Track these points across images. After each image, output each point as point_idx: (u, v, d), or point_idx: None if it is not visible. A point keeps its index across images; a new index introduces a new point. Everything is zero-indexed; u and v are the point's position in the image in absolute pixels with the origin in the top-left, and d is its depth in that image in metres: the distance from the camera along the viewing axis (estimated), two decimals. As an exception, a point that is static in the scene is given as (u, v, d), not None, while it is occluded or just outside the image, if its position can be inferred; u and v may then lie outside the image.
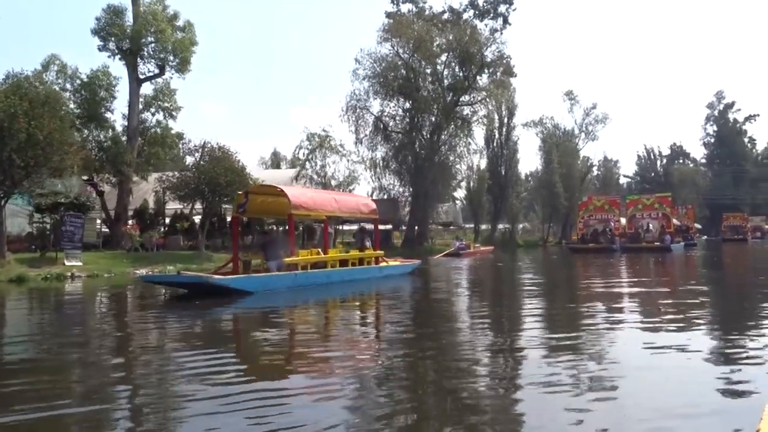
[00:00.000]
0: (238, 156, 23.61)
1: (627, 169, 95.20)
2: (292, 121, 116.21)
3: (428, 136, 39.44)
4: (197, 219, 26.76)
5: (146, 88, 27.49)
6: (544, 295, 12.94)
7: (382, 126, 39.17)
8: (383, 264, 16.79)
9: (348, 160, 29.40)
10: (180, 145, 27.67)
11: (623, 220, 38.05)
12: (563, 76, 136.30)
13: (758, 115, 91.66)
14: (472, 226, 51.91)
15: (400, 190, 40.05)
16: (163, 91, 27.48)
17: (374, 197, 39.56)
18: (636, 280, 16.16)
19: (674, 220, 40.71)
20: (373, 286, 14.52)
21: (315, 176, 28.37)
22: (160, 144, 26.97)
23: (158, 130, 27.40)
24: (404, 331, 7.99)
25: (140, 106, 27.12)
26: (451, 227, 49.37)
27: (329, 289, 13.59)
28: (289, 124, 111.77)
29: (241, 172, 22.52)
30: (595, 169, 79.86)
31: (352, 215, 17.49)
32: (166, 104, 27.45)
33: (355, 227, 40.44)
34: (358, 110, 38.40)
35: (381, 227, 39.73)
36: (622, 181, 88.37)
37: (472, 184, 50.58)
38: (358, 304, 12.00)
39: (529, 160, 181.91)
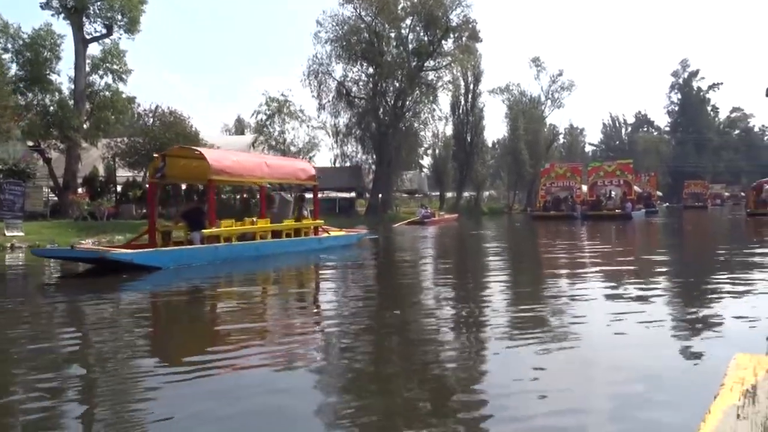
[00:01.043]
0: (191, 121, 22.75)
1: (592, 137, 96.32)
2: (259, 88, 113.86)
3: (392, 102, 38.74)
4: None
5: (94, 50, 26.24)
6: (505, 265, 12.71)
7: (345, 91, 38.29)
8: (324, 235, 15.63)
9: (308, 126, 28.59)
10: (132, 110, 26.55)
11: (585, 188, 38.12)
12: (530, 43, 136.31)
13: (721, 84, 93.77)
14: (437, 194, 51.80)
15: (364, 157, 39.44)
16: (112, 53, 26.20)
17: (337, 165, 39.11)
18: (596, 250, 16.06)
19: (636, 188, 40.97)
20: (312, 258, 13.52)
21: (273, 143, 27.42)
22: (109, 108, 25.81)
23: (107, 93, 26.19)
24: (347, 305, 7.58)
25: (87, 69, 25.86)
26: (417, 195, 49.10)
27: (259, 263, 12.41)
28: (256, 92, 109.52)
29: (195, 137, 21.70)
30: (561, 137, 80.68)
31: (287, 181, 16.29)
32: (115, 66, 26.22)
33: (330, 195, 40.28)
34: (320, 75, 37.50)
35: (345, 195, 40.02)
36: (588, 149, 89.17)
37: (437, 151, 50.32)
38: (289, 277, 11.11)
39: (495, 127, 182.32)
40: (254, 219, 14.34)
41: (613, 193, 36.77)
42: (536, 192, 42.17)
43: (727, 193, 75.40)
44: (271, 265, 12.34)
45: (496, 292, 8.38)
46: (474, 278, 10.35)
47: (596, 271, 10.58)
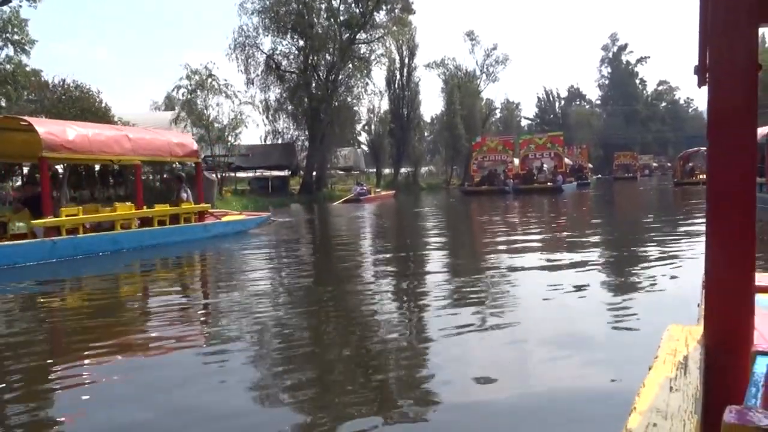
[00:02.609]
0: (101, 96, 20.92)
1: (528, 111, 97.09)
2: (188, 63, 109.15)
3: (324, 76, 37.35)
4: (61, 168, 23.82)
5: (-11, 19, 23.79)
6: (435, 244, 12.13)
7: (274, 65, 36.59)
8: (211, 221, 13.34)
9: (233, 101, 27.01)
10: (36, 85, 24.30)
11: (517, 161, 37.86)
12: (464, 16, 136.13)
13: (649, 57, 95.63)
14: (375, 170, 50.99)
15: (296, 134, 38.02)
16: (12, 22, 23.85)
17: (269, 142, 37.55)
18: (526, 224, 15.67)
19: (567, 160, 41.10)
20: (193, 247, 11.64)
21: (195, 119, 25.78)
22: (10, 82, 23.55)
23: (8, 66, 23.88)
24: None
25: (-16, 40, 23.46)
26: (353, 172, 48.04)
27: (116, 260, 10.15)
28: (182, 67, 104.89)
29: (104, 113, 19.94)
30: (497, 111, 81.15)
31: (159, 158, 13.34)
32: (15, 37, 23.90)
33: (260, 174, 38.71)
34: (247, 48, 35.60)
35: (277, 174, 38.58)
36: (524, 123, 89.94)
37: (373, 127, 49.43)
38: (152, 274, 9.16)
39: (432, 102, 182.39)
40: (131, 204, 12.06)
41: (545, 166, 36.59)
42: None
43: (655, 164, 77.70)
44: (128, 260, 10.11)
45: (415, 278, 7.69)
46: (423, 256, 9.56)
47: (527, 246, 10.22)
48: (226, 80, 27.26)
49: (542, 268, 7.48)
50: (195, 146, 13.97)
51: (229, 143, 27.39)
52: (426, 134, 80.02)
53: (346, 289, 6.95)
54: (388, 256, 10.17)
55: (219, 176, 27.52)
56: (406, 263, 9.02)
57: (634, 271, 7.27)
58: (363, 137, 52.84)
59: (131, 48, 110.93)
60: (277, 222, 17.08)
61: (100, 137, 11.45)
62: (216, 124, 26.63)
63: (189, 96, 26.14)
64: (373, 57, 38.18)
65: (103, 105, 20.84)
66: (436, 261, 9.27)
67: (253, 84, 35.63)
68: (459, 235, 13.81)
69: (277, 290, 7.13)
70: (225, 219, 13.97)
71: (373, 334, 4.84)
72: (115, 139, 11.81)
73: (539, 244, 10.50)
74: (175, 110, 26.27)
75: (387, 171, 52.21)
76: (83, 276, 8.71)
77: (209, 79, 26.52)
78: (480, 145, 38.63)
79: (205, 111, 26.14)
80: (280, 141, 37.60)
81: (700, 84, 1.51)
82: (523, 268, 7.64)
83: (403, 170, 52.82)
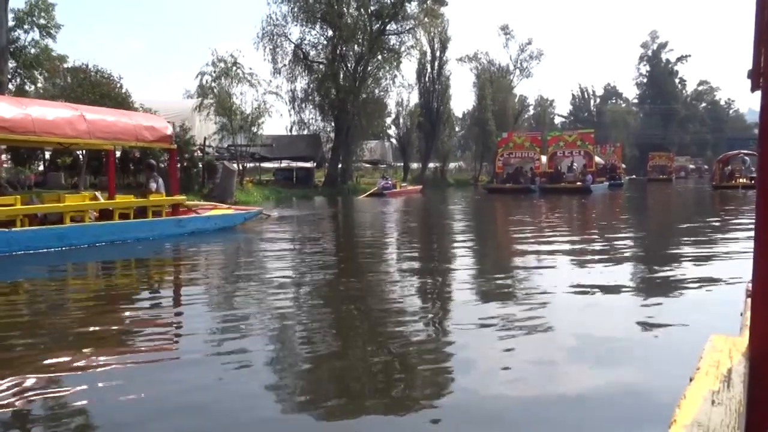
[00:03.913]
0: (121, 81, 20.57)
1: (562, 108, 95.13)
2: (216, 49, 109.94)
3: (353, 67, 36.63)
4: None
5: (17, 2, 23.75)
6: (453, 246, 11.37)
7: (302, 55, 36.05)
8: (188, 216, 11.85)
9: (257, 91, 26.53)
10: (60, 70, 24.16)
11: (544, 159, 36.50)
12: (499, 10, 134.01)
13: (689, 56, 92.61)
14: (402, 164, 50.25)
15: (322, 125, 37.42)
16: (39, 6, 23.76)
17: (294, 133, 37.04)
18: (550, 228, 14.81)
19: (598, 159, 39.49)
20: (158, 246, 10.17)
21: (219, 108, 25.37)
22: (36, 67, 23.47)
23: (34, 50, 23.80)
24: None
25: (10, 23, 23.37)
26: (380, 165, 47.45)
27: (56, 258, 8.68)
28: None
29: (124, 99, 19.59)
30: (531, 108, 79.62)
31: (123, 142, 11.69)
32: (41, 21, 23.79)
33: (286, 165, 38.41)
34: (275, 37, 35.04)
35: (303, 165, 38.20)
36: (557, 120, 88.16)
37: (401, 120, 48.69)
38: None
39: (464, 97, 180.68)
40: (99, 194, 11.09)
41: (575, 164, 35.19)
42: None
43: (692, 166, 75.23)
44: (59, 260, 8.54)
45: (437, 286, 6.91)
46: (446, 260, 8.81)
47: (553, 249, 9.48)
48: (251, 69, 26.78)
49: (571, 281, 6.70)
50: (168, 130, 12.27)
51: (252, 133, 26.90)
52: (457, 129, 79.36)
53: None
54: (400, 265, 9.26)
55: (241, 166, 27.05)
56: (426, 269, 8.22)
57: (671, 278, 6.86)
58: (392, 131, 52.28)
59: (167, 41, 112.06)
60: (273, 217, 15.78)
61: (46, 117, 9.72)
62: (239, 113, 26.13)
63: (212, 83, 25.73)
64: (403, 49, 37.31)
65: (124, 91, 20.48)
66: (458, 265, 8.48)
67: (279, 74, 35.16)
68: (483, 236, 13.04)
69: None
70: (208, 213, 12.37)
71: (395, 328, 4.75)
72: (67, 120, 10.08)
73: (566, 248, 9.73)
74: (198, 97, 25.86)
75: (415, 165, 51.45)
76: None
77: (234, 67, 26.06)
78: (506, 141, 37.12)
79: (228, 99, 25.67)
80: (305, 132, 37.07)
81: (754, 88, 1.44)
82: (549, 272, 7.30)
83: (431, 165, 51.98)
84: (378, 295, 6.19)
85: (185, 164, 23.18)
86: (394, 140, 51.19)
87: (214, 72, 25.88)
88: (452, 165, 59.15)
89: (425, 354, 4.02)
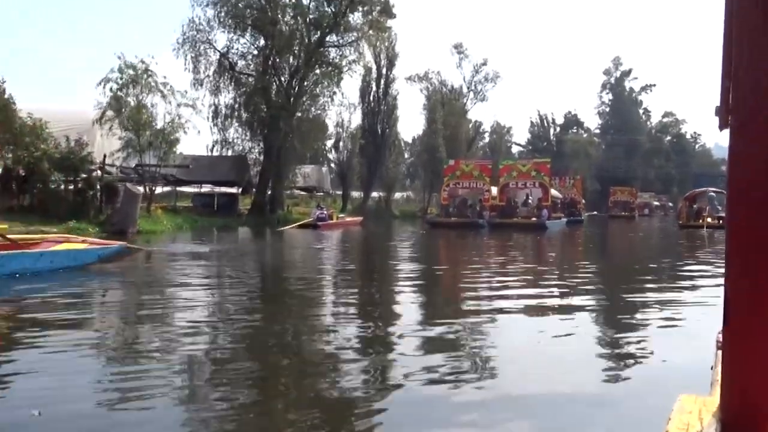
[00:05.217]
0: (3, 86, 19.25)
1: (520, 137, 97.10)
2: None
3: (287, 81, 36.18)
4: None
5: None
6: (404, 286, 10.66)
7: (228, 65, 35.32)
8: (6, 252, 9.80)
9: (170, 103, 25.42)
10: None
11: (495, 190, 36.47)
12: (452, 27, 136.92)
13: (654, 85, 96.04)
14: (341, 192, 50.03)
15: (249, 145, 36.65)
16: None
17: (216, 152, 36.05)
18: (494, 268, 14.42)
19: (554, 192, 39.78)
20: None
21: (126, 120, 24.16)
22: None
23: None
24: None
25: None
26: (318, 193, 46.76)
27: None
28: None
29: (3, 106, 18.28)
30: (486, 135, 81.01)
31: None
32: None
33: (207, 189, 37.02)
34: (198, 44, 34.19)
35: (226, 190, 37.10)
36: (515, 150, 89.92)
37: (342, 143, 48.48)
38: None
39: (414, 121, 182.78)
40: None
41: (530, 198, 35.31)
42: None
43: (656, 203, 77.61)
44: None
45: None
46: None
47: (503, 294, 9.24)
48: (165, 77, 25.76)
49: (524, 332, 6.76)
50: None
51: (162, 151, 25.77)
52: (406, 156, 79.78)
53: None
54: (331, 311, 8.53)
55: (149, 190, 25.82)
56: (361, 315, 7.54)
57: (635, 328, 6.95)
58: (332, 155, 51.94)
59: (77, 43, 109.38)
60: (142, 252, 13.77)
61: None
62: (148, 128, 24.99)
63: (117, 92, 24.56)
64: (344, 63, 37.11)
65: (6, 96, 19.19)
66: (393, 310, 8.15)
67: (202, 85, 34.31)
68: (421, 279, 12.41)
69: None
70: (42, 249, 10.51)
71: (326, 383, 4.68)
72: None
73: (519, 293, 9.54)
74: (102, 106, 24.61)
75: (356, 194, 51.26)
76: None
77: (145, 75, 24.99)
78: (453, 169, 36.89)
79: (136, 111, 24.54)
80: (230, 153, 36.19)
81: (722, 127, 1.50)
82: (500, 322, 7.20)
83: (374, 194, 52.03)
84: (306, 345, 6.03)
85: (79, 186, 21.93)
86: (333, 165, 50.83)
87: (121, 79, 24.73)
88: (398, 195, 59.27)
89: (360, 415, 3.93)
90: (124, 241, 13.14)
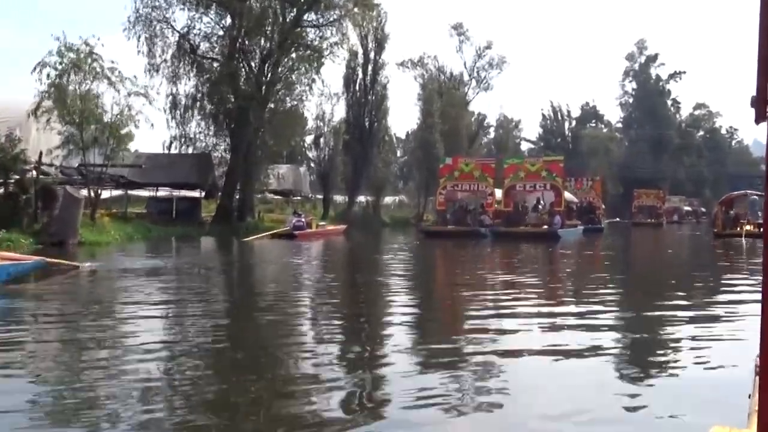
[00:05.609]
0: None
1: (530, 132, 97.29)
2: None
3: (257, 67, 35.94)
4: None
5: None
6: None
7: (189, 48, 34.96)
8: None
9: (118, 92, 24.92)
10: None
11: (499, 193, 35.75)
12: (451, 5, 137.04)
13: (684, 73, 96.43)
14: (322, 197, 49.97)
15: (213, 141, 36.38)
16: None
17: (175, 150, 35.88)
18: (499, 286, 14.23)
19: (569, 195, 39.44)
20: None
21: (66, 112, 23.75)
22: None
23: None
24: None
25: None
26: (295, 197, 46.54)
27: None
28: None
29: None
30: (491, 130, 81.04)
31: None
32: None
33: (165, 193, 36.46)
34: (153, 23, 33.82)
35: (186, 194, 36.69)
36: (524, 147, 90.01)
37: (323, 139, 48.59)
38: None
39: (408, 114, 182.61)
40: None
41: (540, 202, 34.85)
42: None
43: (687, 207, 77.57)
44: None
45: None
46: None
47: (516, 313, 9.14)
48: (113, 62, 25.38)
49: (540, 348, 7.03)
50: None
51: (110, 148, 25.36)
52: (399, 154, 79.72)
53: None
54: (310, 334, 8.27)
55: (93, 193, 25.46)
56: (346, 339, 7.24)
57: (661, 350, 7.27)
58: (312, 153, 51.85)
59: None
60: (84, 270, 13.52)
61: None
62: (93, 121, 24.63)
63: (56, 79, 24.19)
64: (325, 46, 36.84)
65: None
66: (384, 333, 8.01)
67: (158, 71, 33.95)
68: (417, 296, 12.48)
69: None
70: None
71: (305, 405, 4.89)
72: None
73: (531, 311, 9.76)
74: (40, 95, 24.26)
75: (340, 198, 51.31)
76: None
77: (89, 59, 24.62)
78: (450, 168, 36.22)
79: (78, 101, 24.18)
80: (191, 150, 35.81)
81: (759, 119, 1.57)
82: (512, 340, 7.51)
83: (361, 198, 52.06)
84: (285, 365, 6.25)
85: (10, 189, 21.62)
86: (313, 165, 50.72)
87: (60, 64, 24.36)
88: (389, 199, 59.34)
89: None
90: (50, 257, 12.70)
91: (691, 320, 9.01)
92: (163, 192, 36.39)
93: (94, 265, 14.91)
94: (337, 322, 9.13)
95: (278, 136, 36.80)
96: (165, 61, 34.36)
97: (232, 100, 35.09)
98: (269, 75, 35.83)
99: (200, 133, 36.11)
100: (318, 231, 32.50)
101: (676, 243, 34.60)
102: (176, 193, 35.68)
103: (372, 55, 49.26)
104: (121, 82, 25.33)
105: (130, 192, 35.38)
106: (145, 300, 10.33)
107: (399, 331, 8.17)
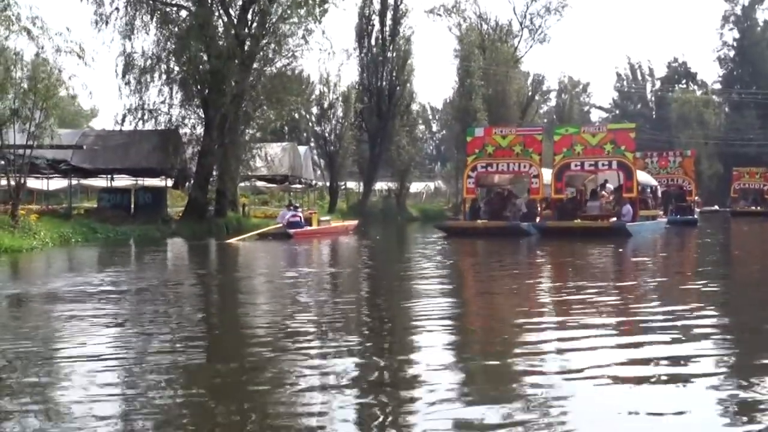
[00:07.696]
0: None
1: (602, 98, 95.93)
2: None
3: (237, 16, 35.11)
4: None
5: None
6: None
7: (149, -8, 34.31)
8: None
9: (42, 48, 24.25)
10: None
11: (548, 175, 33.14)
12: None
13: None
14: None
15: (183, 114, 35.57)
16: None
17: (131, 125, 34.99)
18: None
19: (644, 176, 37.05)
20: None
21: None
22: None
23: None
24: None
25: None
26: (293, 186, 45.74)
27: None
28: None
29: None
30: (552, 95, 79.97)
31: None
32: None
33: (124, 183, 36.10)
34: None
35: (149, 183, 36.13)
36: (594, 116, 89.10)
37: (329, 109, 48.21)
38: None
39: (442, 77, 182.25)
40: None
41: (607, 185, 32.87)
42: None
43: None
44: None
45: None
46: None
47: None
48: (33, 9, 24.64)
49: (600, 380, 6.69)
50: None
51: (34, 123, 24.51)
52: (435, 129, 79.20)
53: None
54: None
55: (14, 182, 24.89)
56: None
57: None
58: (317, 128, 51.51)
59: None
60: None
61: None
62: (12, 89, 23.88)
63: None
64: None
65: None
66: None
67: (107, 24, 33.15)
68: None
69: None
70: None
71: None
72: None
73: (607, 344, 8.74)
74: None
75: (352, 185, 51.19)
76: None
77: (2, 5, 23.85)
78: (481, 143, 33.54)
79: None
80: (152, 126, 34.96)
81: None
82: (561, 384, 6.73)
83: (381, 185, 52.17)
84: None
85: None
86: (315, 144, 50.49)
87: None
88: (419, 186, 58.93)
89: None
90: None
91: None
92: (119, 181, 36.30)
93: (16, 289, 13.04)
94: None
95: (266, 106, 36.40)
96: (117, 9, 33.60)
97: (205, 59, 34.53)
98: (253, 26, 35.41)
99: (163, 102, 35.32)
100: (320, 229, 32.19)
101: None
102: (133, 182, 35.36)
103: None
104: (45, 34, 24.43)
105: (82, 182, 34.97)
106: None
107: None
